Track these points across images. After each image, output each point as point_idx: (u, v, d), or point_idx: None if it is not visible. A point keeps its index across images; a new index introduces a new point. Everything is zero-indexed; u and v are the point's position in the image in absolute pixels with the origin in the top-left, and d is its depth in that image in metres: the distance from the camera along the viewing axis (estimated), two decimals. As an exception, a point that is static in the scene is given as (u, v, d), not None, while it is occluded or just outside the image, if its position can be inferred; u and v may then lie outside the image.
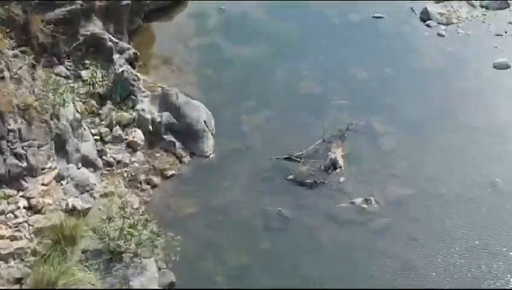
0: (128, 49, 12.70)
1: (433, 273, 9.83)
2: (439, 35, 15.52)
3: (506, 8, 16.45)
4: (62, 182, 10.23)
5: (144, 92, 12.41)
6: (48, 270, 8.70)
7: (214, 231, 10.57)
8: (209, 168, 11.67)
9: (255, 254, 10.19)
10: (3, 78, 9.47)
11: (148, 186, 11.10)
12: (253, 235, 10.52)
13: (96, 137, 11.36)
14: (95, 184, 10.73)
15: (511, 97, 13.77)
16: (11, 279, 8.89)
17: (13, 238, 9.21)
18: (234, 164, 11.76)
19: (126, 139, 11.47)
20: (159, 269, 9.83)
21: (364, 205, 10.79)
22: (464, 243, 10.26)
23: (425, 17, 15.87)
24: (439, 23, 15.77)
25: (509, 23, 16.01)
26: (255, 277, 9.86)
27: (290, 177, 11.32)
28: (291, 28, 15.61)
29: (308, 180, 11.17)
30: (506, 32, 15.76)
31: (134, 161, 11.32)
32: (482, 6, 16.34)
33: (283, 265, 9.99)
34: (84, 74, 11.77)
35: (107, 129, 11.37)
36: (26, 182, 9.58)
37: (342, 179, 11.28)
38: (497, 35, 15.77)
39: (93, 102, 11.57)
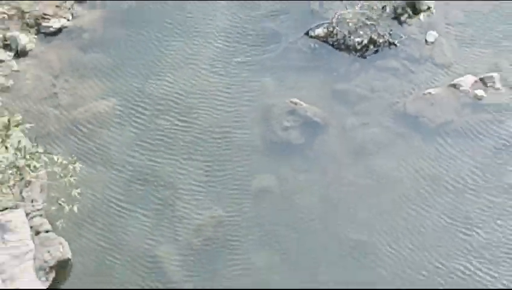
0: None
1: None
2: None
3: None
4: None
5: None
6: None
7: (153, 150, 6.41)
8: (132, 12, 6.95)
9: (242, 201, 6.09)
10: None
11: (9, 54, 6.61)
12: (238, 161, 6.30)
13: None
14: None
15: None
16: None
17: None
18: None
19: None
20: (37, 232, 6.61)
21: (480, 92, 5.71)
22: None
23: None
24: None
25: None
26: (244, 253, 5.95)
27: (318, 31, 6.00)
28: None
29: (356, 39, 5.63)
30: None
31: None
32: None
33: (301, 236, 6.00)
34: None
35: None
36: None
37: (430, 36, 6.05)
38: None
39: None
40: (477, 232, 5.57)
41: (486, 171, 5.83)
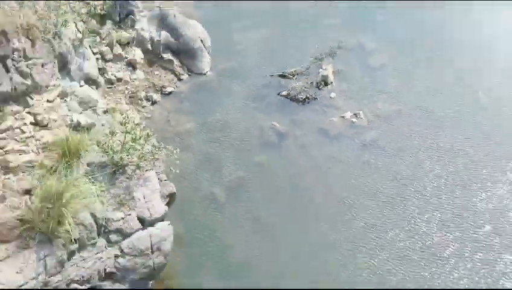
0: None
1: (420, 181, 10.33)
2: None
3: None
4: (66, 98, 10.36)
5: (142, 11, 12.39)
6: (56, 182, 8.63)
7: (212, 146, 10.99)
8: (206, 85, 11.98)
9: (250, 170, 10.64)
10: None
11: (148, 103, 11.42)
12: (249, 149, 10.98)
13: (97, 56, 11.48)
14: (97, 101, 10.83)
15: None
16: (20, 190, 8.89)
17: (21, 152, 9.24)
18: (230, 82, 12.05)
19: (126, 57, 11.66)
20: (160, 180, 10.06)
21: (353, 120, 11.22)
22: (452, 154, 10.82)
23: None
24: None
25: None
26: (251, 189, 10.39)
27: (283, 93, 11.73)
28: None
29: (300, 96, 11.58)
30: None
31: (134, 79, 11.56)
32: None
33: (277, 178, 10.47)
34: None
35: (108, 48, 11.50)
36: (31, 98, 9.56)
37: (332, 95, 11.75)
38: None
39: (94, 22, 11.61)
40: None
41: (351, 156, 10.65)
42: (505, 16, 14.63)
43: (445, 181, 10.26)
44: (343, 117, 11.22)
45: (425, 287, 8.98)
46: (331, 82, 11.71)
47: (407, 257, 9.02)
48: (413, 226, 9.52)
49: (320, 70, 11.91)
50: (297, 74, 11.99)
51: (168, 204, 9.89)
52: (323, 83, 11.77)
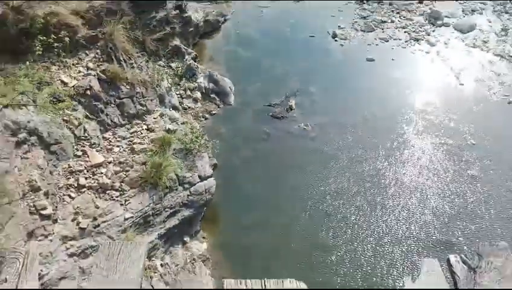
0: (192, 52, 18.21)
1: (335, 154, 17.57)
2: (340, 45, 23.01)
3: (372, 31, 25.39)
4: (163, 117, 13.90)
5: (200, 73, 17.92)
6: (157, 159, 11.71)
7: (234, 139, 16.05)
8: (232, 110, 17.36)
9: (254, 151, 15.75)
10: (133, 67, 13.95)
11: (204, 119, 16.63)
12: (253, 142, 16.04)
13: (178, 95, 16.55)
14: (178, 118, 14.48)
15: (373, 72, 20.83)
16: (140, 162, 11.89)
17: (140, 143, 12.61)
18: (244, 108, 17.41)
19: (191, 96, 19.04)
20: (209, 157, 13.67)
21: (305, 127, 17.89)
22: (354, 139, 18.50)
23: (334, 35, 24.60)
24: (341, 39, 24.33)
25: (375, 39, 25.04)
26: (254, 163, 15.51)
27: (271, 114, 17.37)
28: (271, 41, 22.96)
29: (279, 115, 17.41)
30: (372, 43, 24.79)
31: (196, 107, 16.97)
32: (362, 30, 25.19)
33: (268, 156, 15.76)
34: (173, 65, 17.19)
35: (183, 91, 17.13)
36: (145, 117, 13.59)
37: (294, 115, 17.82)
38: (368, 44, 24.58)
39: (177, 79, 16.95)
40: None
41: (303, 145, 16.60)
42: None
43: (348, 150, 16.24)
44: (299, 126, 17.00)
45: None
46: (294, 108, 17.64)
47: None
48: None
49: (289, 102, 17.82)
50: (277, 104, 17.69)
51: (213, 169, 13.76)
52: (290, 108, 17.56)
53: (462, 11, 26.26)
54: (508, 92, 20.23)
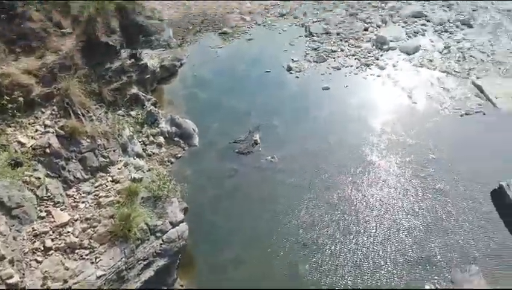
0: (151, 98, 20.26)
1: (311, 184, 18.23)
2: (296, 77, 25.30)
3: (324, 61, 26.48)
4: (128, 166, 14.52)
5: (162, 118, 19.80)
6: (125, 210, 11.66)
7: (201, 180, 17.46)
8: (198, 151, 19.52)
9: (223, 189, 17.10)
10: (92, 120, 14.98)
11: (170, 163, 19.05)
12: (221, 179, 17.62)
13: (141, 142, 19.06)
14: (143, 165, 15.31)
15: (330, 100, 22.51)
16: (108, 216, 11.63)
17: (107, 196, 12.66)
18: (209, 148, 19.84)
19: (155, 141, 19.83)
20: (179, 202, 13.67)
21: (272, 159, 19.72)
22: (327, 166, 19.53)
23: (289, 69, 25.95)
24: (295, 71, 25.55)
25: (328, 68, 26.03)
26: (224, 201, 16.37)
27: (236, 150, 19.72)
28: (228, 80, 24.67)
29: (245, 151, 19.84)
30: (325, 72, 25.94)
31: (161, 152, 19.54)
32: (315, 61, 26.21)
33: (236, 191, 17.03)
34: (133, 113, 19.10)
35: (146, 138, 19.52)
36: (109, 168, 13.90)
37: (260, 149, 20.02)
38: (322, 74, 25.79)
39: (138, 126, 19.02)
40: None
41: (270, 176, 18.74)
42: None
43: (316, 179, 18.17)
44: (266, 159, 18.78)
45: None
46: (259, 143, 19.68)
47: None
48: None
49: (253, 137, 19.79)
50: (242, 140, 19.57)
51: (184, 214, 13.73)
52: (255, 143, 19.53)
53: (406, 34, 27.87)
54: (459, 105, 21.34)
